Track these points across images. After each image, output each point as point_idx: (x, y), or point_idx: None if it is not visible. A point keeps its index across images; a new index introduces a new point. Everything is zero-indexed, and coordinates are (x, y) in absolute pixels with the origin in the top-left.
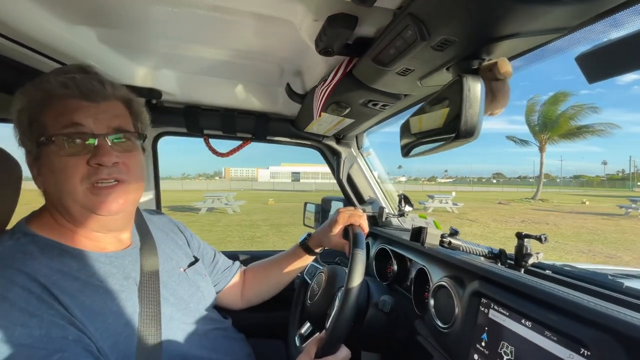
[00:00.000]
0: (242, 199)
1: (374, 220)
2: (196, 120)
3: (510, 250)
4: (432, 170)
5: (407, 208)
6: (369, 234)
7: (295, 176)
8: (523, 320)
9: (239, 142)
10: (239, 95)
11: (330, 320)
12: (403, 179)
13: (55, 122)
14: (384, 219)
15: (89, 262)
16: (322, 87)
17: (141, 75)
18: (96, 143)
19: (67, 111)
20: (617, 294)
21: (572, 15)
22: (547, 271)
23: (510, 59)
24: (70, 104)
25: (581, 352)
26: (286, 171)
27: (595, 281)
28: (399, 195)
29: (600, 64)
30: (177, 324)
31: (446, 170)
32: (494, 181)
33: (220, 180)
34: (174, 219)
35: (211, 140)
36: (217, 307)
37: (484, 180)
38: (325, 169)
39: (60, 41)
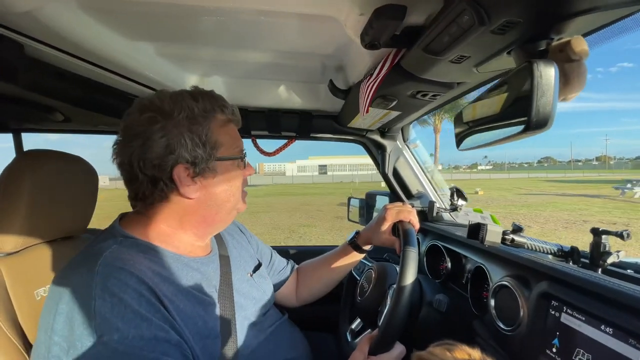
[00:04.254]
0: None
1: (423, 215)
2: (245, 122)
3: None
4: (468, 157)
5: (460, 202)
6: (419, 230)
7: (322, 169)
8: (602, 326)
9: (284, 141)
10: (283, 95)
11: (383, 317)
12: (439, 167)
13: (232, 143)
14: (434, 214)
15: (182, 267)
16: (369, 82)
17: (192, 83)
18: (246, 160)
19: (236, 135)
20: None
21: None
22: (628, 271)
23: (584, 35)
24: (235, 130)
25: None
26: (313, 164)
27: None
28: (450, 189)
29: None
30: (247, 325)
31: (485, 156)
32: (535, 165)
33: (256, 176)
34: (235, 220)
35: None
36: (275, 304)
37: (525, 165)
38: (354, 160)
39: (124, 57)
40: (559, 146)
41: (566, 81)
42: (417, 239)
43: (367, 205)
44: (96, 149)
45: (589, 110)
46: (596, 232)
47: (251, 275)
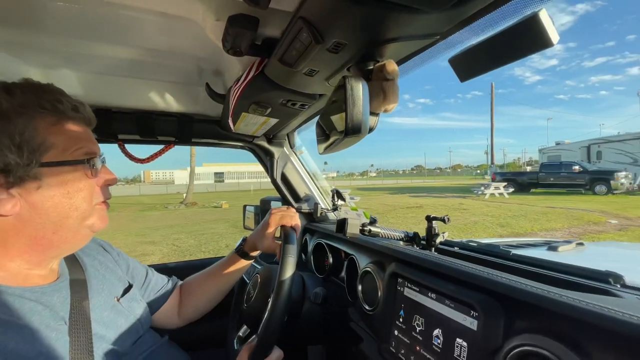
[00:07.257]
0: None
1: (310, 216)
2: (108, 124)
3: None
4: (360, 165)
5: (340, 202)
6: (307, 230)
7: (219, 177)
8: (429, 294)
9: (161, 147)
10: (157, 96)
11: (261, 325)
12: (334, 174)
13: (70, 144)
14: (319, 215)
15: (10, 299)
16: (236, 87)
17: (35, 76)
18: (99, 165)
19: (79, 136)
20: (506, 261)
21: (439, 22)
22: (455, 248)
23: (400, 62)
24: (78, 129)
25: (472, 314)
26: (208, 172)
27: (490, 252)
28: (331, 191)
29: (468, 64)
30: (109, 357)
31: (372, 165)
32: (408, 172)
33: (140, 185)
34: (96, 237)
35: (129, 146)
36: (153, 327)
37: (400, 172)
38: (254, 168)
39: None
40: (429, 156)
41: (385, 96)
42: (306, 239)
43: (262, 211)
44: None
45: (453, 128)
46: (428, 219)
47: (118, 300)
